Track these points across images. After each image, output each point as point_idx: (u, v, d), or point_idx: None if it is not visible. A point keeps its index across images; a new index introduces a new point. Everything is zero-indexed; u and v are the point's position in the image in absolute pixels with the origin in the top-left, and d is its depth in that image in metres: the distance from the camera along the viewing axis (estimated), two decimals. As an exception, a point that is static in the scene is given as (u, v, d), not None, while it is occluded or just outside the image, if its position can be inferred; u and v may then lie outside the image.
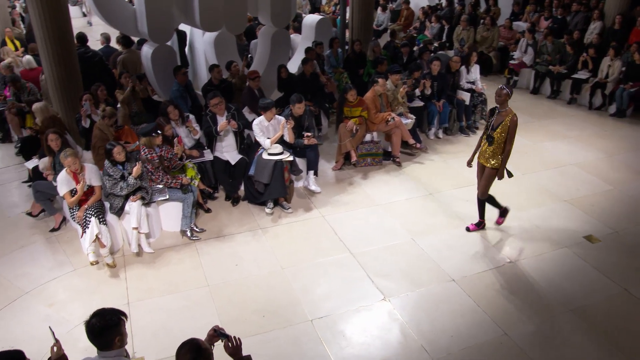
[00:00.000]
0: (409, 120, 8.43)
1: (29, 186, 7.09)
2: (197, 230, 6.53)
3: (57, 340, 3.43)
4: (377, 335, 4.96)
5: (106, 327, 3.06)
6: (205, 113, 7.19)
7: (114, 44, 11.39)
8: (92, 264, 5.74)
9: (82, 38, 9.26)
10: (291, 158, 6.98)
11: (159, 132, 6.32)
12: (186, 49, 10.64)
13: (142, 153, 6.27)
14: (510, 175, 6.21)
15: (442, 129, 9.29)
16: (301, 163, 7.39)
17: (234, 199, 7.21)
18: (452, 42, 13.21)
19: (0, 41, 13.17)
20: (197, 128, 7.21)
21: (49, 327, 3.54)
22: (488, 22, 12.68)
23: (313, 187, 7.41)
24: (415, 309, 5.28)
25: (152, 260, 6.07)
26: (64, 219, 6.65)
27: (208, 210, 7.00)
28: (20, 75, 9.75)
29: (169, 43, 9.30)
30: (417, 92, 9.03)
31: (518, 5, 14.69)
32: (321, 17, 11.61)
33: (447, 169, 8.13)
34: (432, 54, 10.21)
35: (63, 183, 5.82)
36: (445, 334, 4.96)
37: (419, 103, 9.02)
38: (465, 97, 9.36)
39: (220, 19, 8.81)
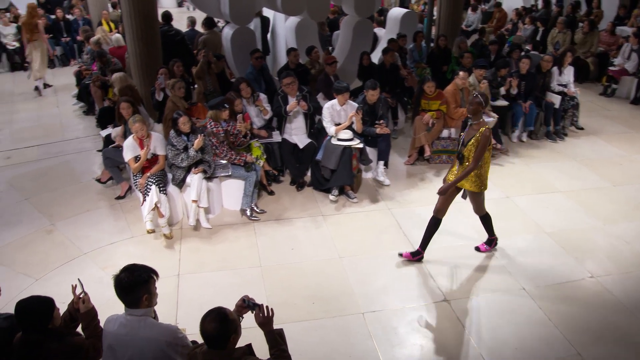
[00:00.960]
0: (491, 119, 7.87)
1: (103, 154, 7.24)
2: (257, 210, 6.37)
3: (85, 293, 3.33)
4: (432, 337, 4.55)
5: (134, 284, 2.91)
6: (277, 93, 7.05)
7: (199, 27, 11.55)
8: (148, 232, 5.72)
9: (167, 17, 9.44)
10: (361, 145, 6.67)
11: (226, 105, 6.21)
12: (268, 36, 10.60)
13: (208, 126, 6.19)
14: (464, 196, 5.37)
15: (526, 132, 8.64)
16: (372, 153, 7.07)
17: (299, 184, 7.01)
18: (546, 45, 12.39)
19: (97, 22, 13.82)
20: (268, 108, 7.07)
21: (78, 279, 3.45)
22: (586, 25, 11.77)
23: (381, 178, 7.07)
24: (477, 314, 4.82)
25: (208, 236, 5.97)
26: (130, 188, 6.71)
27: (271, 193, 6.84)
28: (109, 52, 10.11)
29: (250, 27, 9.29)
30: (503, 90, 8.45)
31: (624, 8, 13.58)
32: (407, 10, 11.23)
33: (529, 173, 7.53)
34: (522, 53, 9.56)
35: (129, 149, 5.84)
36: (508, 345, 4.47)
37: (503, 102, 8.44)
38: (556, 100, 8.66)
39: (302, 3, 8.67)
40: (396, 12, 11.01)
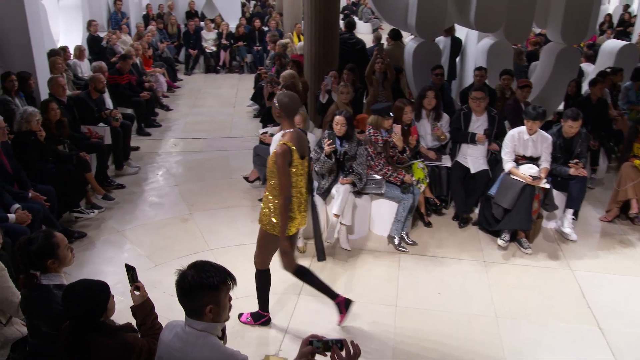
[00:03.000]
0: None
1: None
2: (407, 241, 5.43)
3: (137, 281, 2.71)
4: None
5: (199, 286, 2.18)
6: (461, 108, 6.10)
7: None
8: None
9: (351, 24, 9.07)
10: (547, 186, 5.41)
11: (391, 114, 5.38)
12: (457, 59, 9.69)
13: (367, 133, 5.43)
14: (321, 256, 4.13)
15: None
16: (559, 198, 5.73)
17: (462, 219, 5.91)
18: None
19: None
20: (448, 134, 6.13)
21: (126, 265, 2.84)
22: None
23: (567, 231, 5.67)
24: None
25: (344, 258, 5.18)
26: (275, 191, 6.21)
27: (428, 224, 5.85)
28: (290, 57, 10.02)
29: (439, 46, 8.48)
30: None
31: None
32: (626, 43, 9.50)
33: None
34: None
35: (276, 142, 5.30)
36: None
37: None
38: None
39: (498, 21, 7.64)
40: (611, 45, 9.37)
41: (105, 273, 4.81)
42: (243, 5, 18.16)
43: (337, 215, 5.15)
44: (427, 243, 5.54)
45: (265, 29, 14.88)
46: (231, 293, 2.33)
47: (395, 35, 9.14)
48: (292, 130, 3.76)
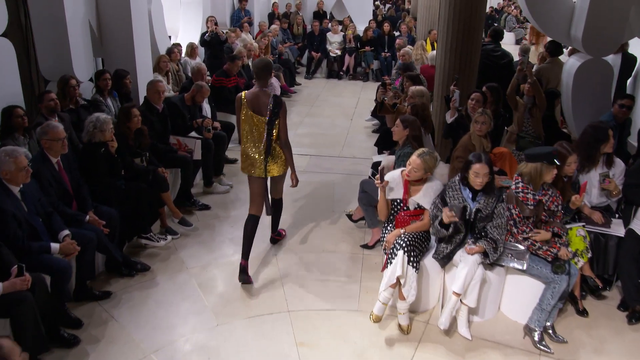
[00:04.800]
0: None
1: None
2: (553, 336, 3.92)
3: None
4: None
5: None
6: (641, 158, 4.48)
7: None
8: (371, 318, 3.82)
9: (498, 34, 7.56)
10: None
11: (556, 161, 3.84)
12: (629, 80, 7.78)
13: (513, 187, 3.97)
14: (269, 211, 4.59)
15: None
16: None
17: (634, 314, 4.24)
18: None
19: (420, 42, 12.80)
20: (620, 187, 4.52)
21: None
22: None
23: None
24: None
25: (461, 351, 3.79)
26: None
27: (583, 313, 4.26)
28: (420, 70, 8.76)
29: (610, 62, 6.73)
30: None
31: None
32: None
33: None
34: None
35: (397, 180, 4.06)
36: None
37: None
38: None
39: None
40: None
41: (155, 329, 3.87)
42: (376, 7, 17.05)
43: (457, 294, 3.78)
44: (580, 342, 3.97)
45: (396, 34, 13.68)
46: None
47: (553, 50, 7.42)
48: (256, 87, 4.40)
